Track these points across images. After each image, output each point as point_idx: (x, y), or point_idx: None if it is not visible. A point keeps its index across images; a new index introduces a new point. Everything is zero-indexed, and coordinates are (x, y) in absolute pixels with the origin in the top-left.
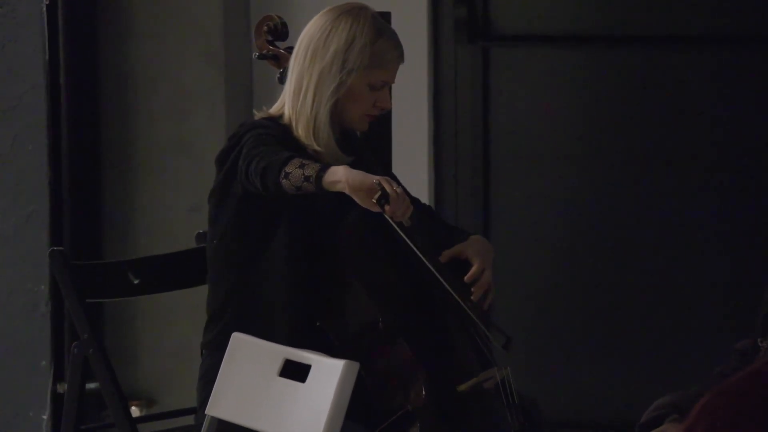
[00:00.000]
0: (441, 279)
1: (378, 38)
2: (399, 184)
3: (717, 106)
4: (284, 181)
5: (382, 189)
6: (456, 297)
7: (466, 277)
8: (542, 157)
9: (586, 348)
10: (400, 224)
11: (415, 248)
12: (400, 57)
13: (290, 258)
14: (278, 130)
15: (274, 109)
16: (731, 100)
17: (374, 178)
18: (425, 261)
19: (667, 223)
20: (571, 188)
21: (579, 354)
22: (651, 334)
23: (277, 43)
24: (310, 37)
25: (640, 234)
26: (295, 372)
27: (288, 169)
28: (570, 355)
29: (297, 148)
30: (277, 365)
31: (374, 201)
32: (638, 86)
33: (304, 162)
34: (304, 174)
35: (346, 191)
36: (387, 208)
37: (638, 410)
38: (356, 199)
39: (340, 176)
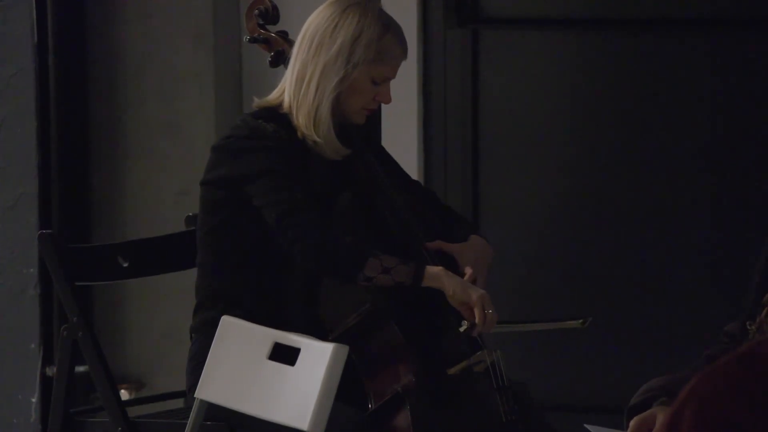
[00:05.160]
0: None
1: (385, 34)
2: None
3: (711, 89)
4: (364, 283)
5: (473, 322)
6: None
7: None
8: (532, 139)
9: (575, 331)
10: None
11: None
12: (404, 53)
13: None
14: (284, 142)
15: (273, 96)
16: (726, 84)
17: (475, 297)
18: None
19: (659, 204)
20: (561, 170)
21: (568, 337)
22: (640, 316)
23: (268, 27)
24: (316, 27)
25: (630, 216)
26: (285, 355)
27: (369, 273)
28: (559, 338)
29: (301, 145)
30: (267, 348)
31: (461, 330)
32: (629, 70)
33: (384, 264)
34: (394, 280)
35: (445, 293)
36: (469, 329)
37: (627, 393)
38: (449, 300)
39: (444, 284)
